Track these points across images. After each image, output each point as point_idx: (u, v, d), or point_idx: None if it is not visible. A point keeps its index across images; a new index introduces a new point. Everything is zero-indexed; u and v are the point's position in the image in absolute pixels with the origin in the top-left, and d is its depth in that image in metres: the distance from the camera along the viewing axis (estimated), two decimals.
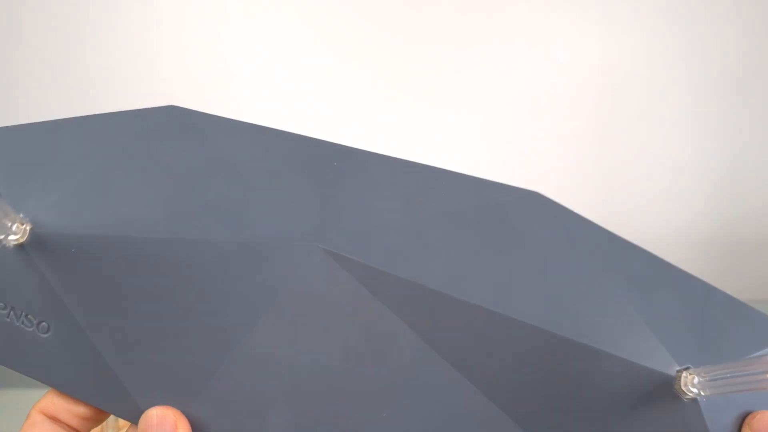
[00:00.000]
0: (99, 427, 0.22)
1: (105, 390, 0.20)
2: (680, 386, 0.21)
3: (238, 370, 0.20)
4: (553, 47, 0.66)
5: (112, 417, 0.23)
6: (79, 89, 0.63)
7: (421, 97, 0.66)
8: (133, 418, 0.20)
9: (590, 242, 0.23)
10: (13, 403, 0.59)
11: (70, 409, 0.21)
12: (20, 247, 0.20)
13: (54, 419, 0.21)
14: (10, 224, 0.19)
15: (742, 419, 0.21)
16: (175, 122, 0.22)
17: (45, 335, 0.20)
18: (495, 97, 0.66)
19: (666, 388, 0.21)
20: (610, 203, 0.68)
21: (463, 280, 0.21)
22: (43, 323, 0.20)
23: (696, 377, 0.20)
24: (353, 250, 0.21)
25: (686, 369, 0.21)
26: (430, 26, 0.65)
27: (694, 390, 0.20)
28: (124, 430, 0.22)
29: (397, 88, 0.66)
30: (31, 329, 0.20)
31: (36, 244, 0.20)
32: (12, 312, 0.20)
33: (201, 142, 0.22)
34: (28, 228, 0.20)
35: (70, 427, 0.21)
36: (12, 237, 0.19)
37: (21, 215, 0.20)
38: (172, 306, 0.20)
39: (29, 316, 0.20)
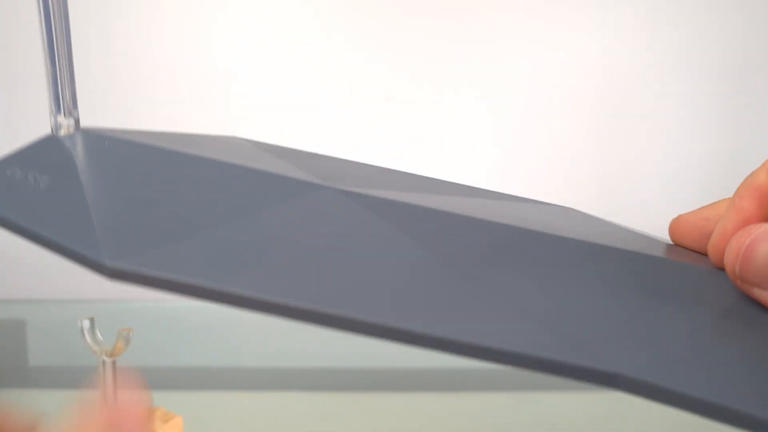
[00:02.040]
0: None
1: (79, 233, 0.19)
2: None
3: (223, 233, 0.19)
4: (554, 47, 0.66)
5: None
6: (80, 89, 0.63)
7: (420, 99, 0.66)
8: (96, 267, 0.18)
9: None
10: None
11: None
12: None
13: None
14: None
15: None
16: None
17: (43, 187, 0.21)
18: (495, 99, 0.66)
19: None
20: (612, 203, 0.68)
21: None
22: (45, 176, 0.21)
23: None
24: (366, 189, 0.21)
25: None
26: (430, 28, 0.65)
27: None
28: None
29: (394, 89, 0.66)
30: (33, 184, 0.21)
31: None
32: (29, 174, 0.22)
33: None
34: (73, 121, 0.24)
35: None
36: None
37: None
38: (176, 198, 0.21)
39: (43, 175, 0.21)
